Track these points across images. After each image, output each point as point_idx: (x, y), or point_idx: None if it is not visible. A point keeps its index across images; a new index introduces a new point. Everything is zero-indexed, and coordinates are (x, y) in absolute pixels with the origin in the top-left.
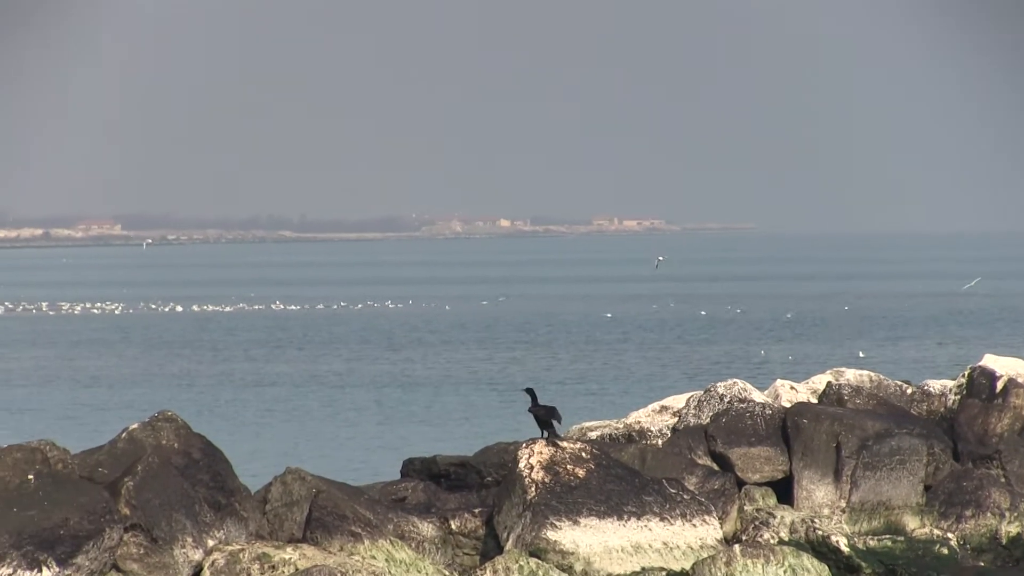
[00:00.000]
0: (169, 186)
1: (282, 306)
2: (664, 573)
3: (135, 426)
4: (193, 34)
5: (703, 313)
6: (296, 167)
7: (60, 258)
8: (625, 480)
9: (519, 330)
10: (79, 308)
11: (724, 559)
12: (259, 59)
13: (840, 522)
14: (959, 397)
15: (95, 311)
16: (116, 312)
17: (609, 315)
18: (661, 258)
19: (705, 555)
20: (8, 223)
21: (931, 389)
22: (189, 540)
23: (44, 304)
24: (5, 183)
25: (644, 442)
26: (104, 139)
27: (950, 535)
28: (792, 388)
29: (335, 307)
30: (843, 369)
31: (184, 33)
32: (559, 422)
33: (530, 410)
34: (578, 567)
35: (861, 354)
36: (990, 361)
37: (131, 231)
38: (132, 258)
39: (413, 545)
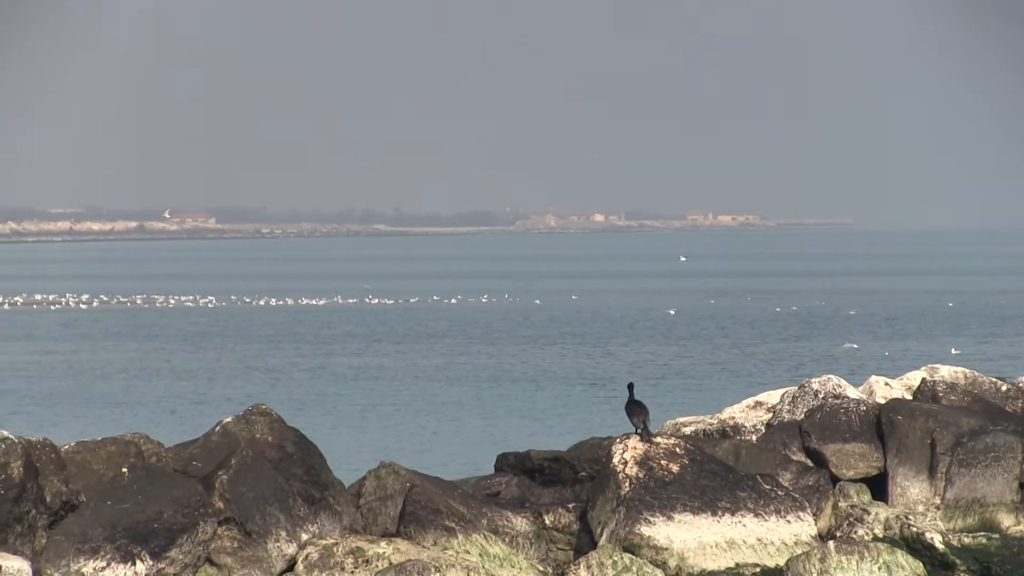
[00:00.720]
0: (264, 180)
1: (376, 300)
2: (758, 569)
3: (229, 419)
4: (284, 30)
5: (795, 308)
6: (391, 161)
7: (155, 251)
8: (719, 476)
9: (612, 324)
10: (173, 301)
11: (818, 556)
12: (355, 55)
13: (934, 519)
14: None
15: (188, 304)
16: (210, 305)
17: (703, 309)
18: (683, 258)
19: (799, 551)
20: (103, 216)
21: None
22: (283, 534)
23: (139, 297)
24: (99, 176)
25: (738, 438)
26: (196, 133)
27: None
28: (887, 384)
29: (430, 301)
30: (937, 366)
31: (273, 30)
32: (648, 418)
33: (627, 406)
34: (672, 563)
35: (955, 351)
36: None
37: (225, 224)
38: (226, 251)
39: (507, 540)
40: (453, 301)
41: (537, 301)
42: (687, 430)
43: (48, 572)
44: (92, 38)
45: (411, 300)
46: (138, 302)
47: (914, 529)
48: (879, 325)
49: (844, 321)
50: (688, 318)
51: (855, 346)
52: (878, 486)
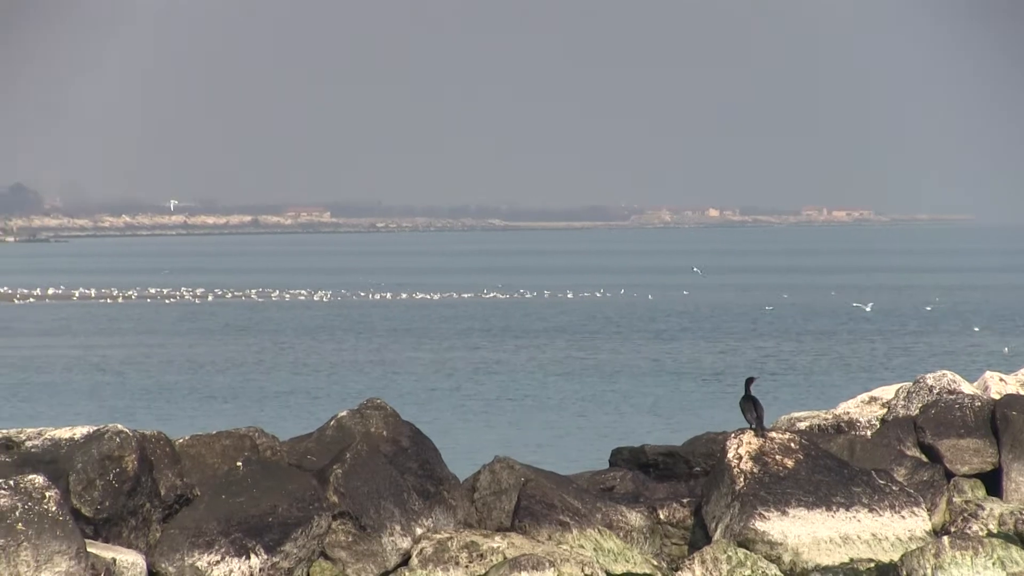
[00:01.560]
0: (379, 174)
1: (492, 294)
2: (872, 565)
3: (344, 413)
4: (390, 25)
5: (911, 304)
6: (505, 155)
7: (267, 244)
8: (834, 471)
9: (726, 319)
10: (288, 295)
11: (932, 551)
12: (463, 48)
13: None
14: None
15: (303, 298)
16: (325, 300)
17: (819, 303)
18: (697, 270)
19: (913, 547)
20: (218, 210)
21: None
22: (397, 528)
23: (253, 291)
24: (215, 170)
25: (853, 433)
26: (311, 127)
27: None
28: (1001, 380)
29: (545, 295)
30: None
31: (376, 25)
32: (762, 413)
33: (741, 401)
34: (786, 558)
35: None
36: None
37: (340, 218)
38: (341, 245)
39: (621, 534)
40: (569, 296)
41: (650, 296)
42: (801, 425)
43: (162, 566)
44: (200, 38)
45: (527, 295)
46: (252, 296)
47: None
48: (995, 321)
49: (961, 317)
50: (803, 313)
51: (971, 341)
52: (992, 481)
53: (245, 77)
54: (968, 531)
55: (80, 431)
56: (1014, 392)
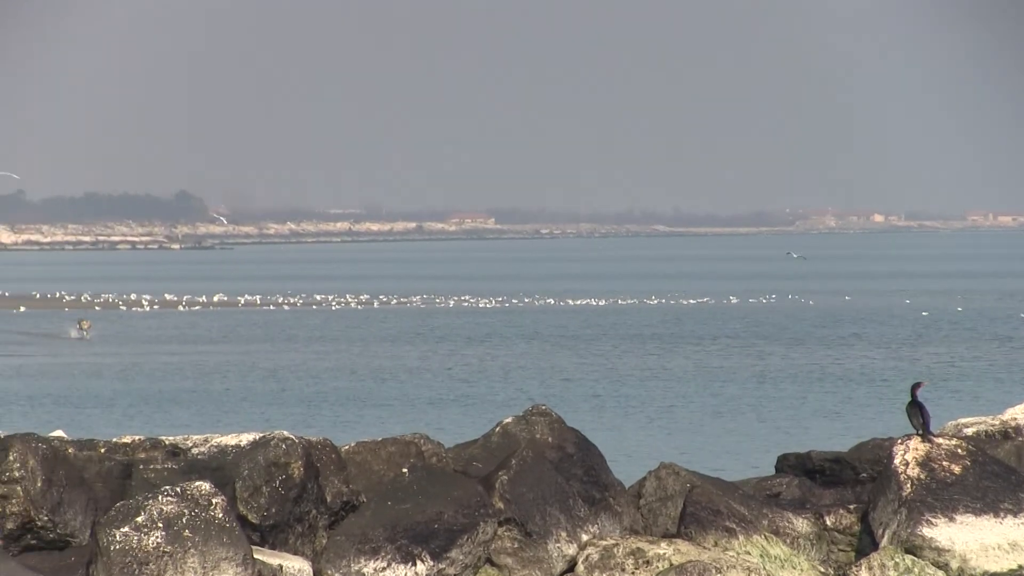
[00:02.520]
0: (543, 181)
1: (656, 300)
2: None
3: (509, 420)
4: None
5: None
6: (668, 160)
7: (433, 251)
8: (1001, 477)
9: (891, 324)
10: (452, 302)
11: None
12: (632, 53)
13: None
14: None
15: (466, 304)
16: (489, 306)
17: (989, 309)
18: (795, 255)
19: None
20: (382, 216)
21: None
22: (563, 534)
23: (417, 298)
24: (379, 177)
25: (1020, 439)
26: (477, 133)
27: None
28: None
29: (710, 302)
30: None
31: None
32: (928, 419)
33: (908, 407)
34: (954, 564)
35: None
36: None
37: (504, 225)
38: (505, 251)
39: (788, 541)
40: (734, 301)
41: (811, 302)
42: (968, 431)
43: (328, 572)
44: (357, 45)
45: (691, 301)
46: (417, 303)
47: None
48: None
49: None
50: (973, 318)
51: None
52: None
53: (406, 83)
54: None
55: (246, 438)
56: None
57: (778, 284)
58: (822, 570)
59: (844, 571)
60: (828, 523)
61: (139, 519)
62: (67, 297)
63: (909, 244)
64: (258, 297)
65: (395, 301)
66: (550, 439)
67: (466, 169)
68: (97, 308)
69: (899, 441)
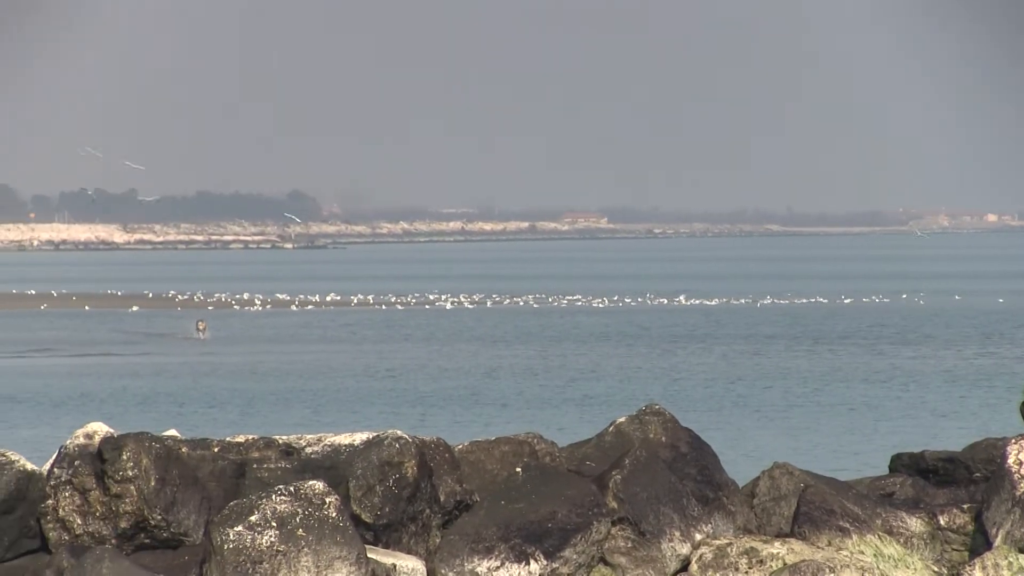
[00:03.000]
0: (655, 179)
1: (769, 300)
2: None
3: (623, 419)
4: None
5: None
6: (781, 160)
7: (545, 250)
8: None
9: (1003, 323)
10: (565, 301)
11: None
12: (755, 50)
13: None
14: None
15: (580, 304)
16: (602, 306)
17: None
18: (919, 232)
19: None
20: (495, 216)
21: None
22: (677, 534)
23: (531, 297)
24: (492, 176)
25: None
26: (590, 133)
27: None
28: None
29: (826, 302)
30: None
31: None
32: None
33: (1022, 406)
34: None
35: None
36: None
37: (617, 224)
38: (617, 251)
39: (901, 540)
40: (847, 301)
41: (920, 302)
42: None
43: (442, 571)
44: (480, 47)
45: (803, 300)
46: (530, 302)
47: None
48: None
49: None
50: None
51: None
52: None
53: (520, 82)
54: None
55: (360, 437)
56: None
57: (890, 284)
58: (935, 569)
59: (957, 571)
60: (942, 523)
61: (253, 518)
62: (179, 297)
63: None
64: (371, 297)
65: (508, 301)
66: (664, 438)
67: (579, 168)
68: (209, 308)
69: (1013, 440)
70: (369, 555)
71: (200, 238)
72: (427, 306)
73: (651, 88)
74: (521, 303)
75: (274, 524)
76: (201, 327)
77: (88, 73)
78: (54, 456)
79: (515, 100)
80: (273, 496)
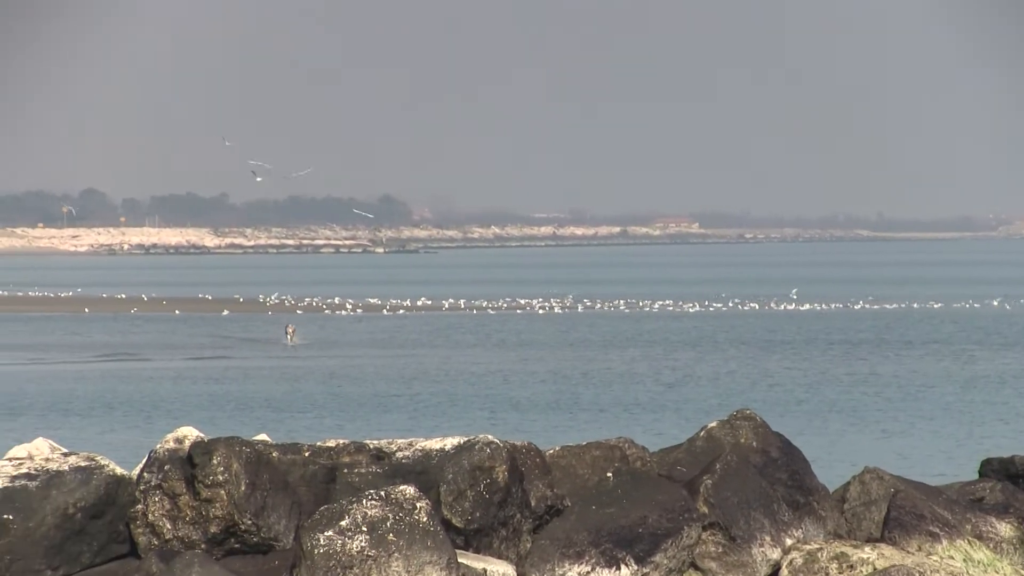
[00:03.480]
0: (747, 183)
1: (860, 305)
2: None
3: (714, 424)
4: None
5: None
6: (872, 165)
7: (635, 255)
8: None
9: None
10: (656, 306)
11: None
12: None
13: None
14: None
15: (669, 308)
16: (693, 310)
17: None
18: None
19: None
20: (586, 220)
21: None
22: (767, 539)
23: (621, 302)
24: (584, 181)
25: None
26: (679, 137)
27: None
28: None
29: (917, 306)
30: None
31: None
32: None
33: None
34: None
35: None
36: None
37: (708, 229)
38: (708, 256)
39: (991, 545)
40: (937, 306)
41: (1007, 306)
42: None
43: None
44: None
45: (893, 306)
46: (621, 307)
47: None
48: None
49: None
50: None
51: None
52: None
53: (610, 86)
54: None
55: (451, 442)
56: None
57: (981, 289)
58: None
59: None
60: None
61: (343, 523)
62: (270, 301)
63: None
64: (462, 301)
65: (599, 305)
66: (754, 443)
67: (671, 173)
68: (299, 312)
69: None
70: (460, 560)
71: (291, 242)
72: (518, 310)
73: (741, 93)
74: (612, 308)
75: (364, 529)
76: (290, 331)
77: (180, 76)
78: (144, 460)
79: (607, 105)
80: (364, 501)
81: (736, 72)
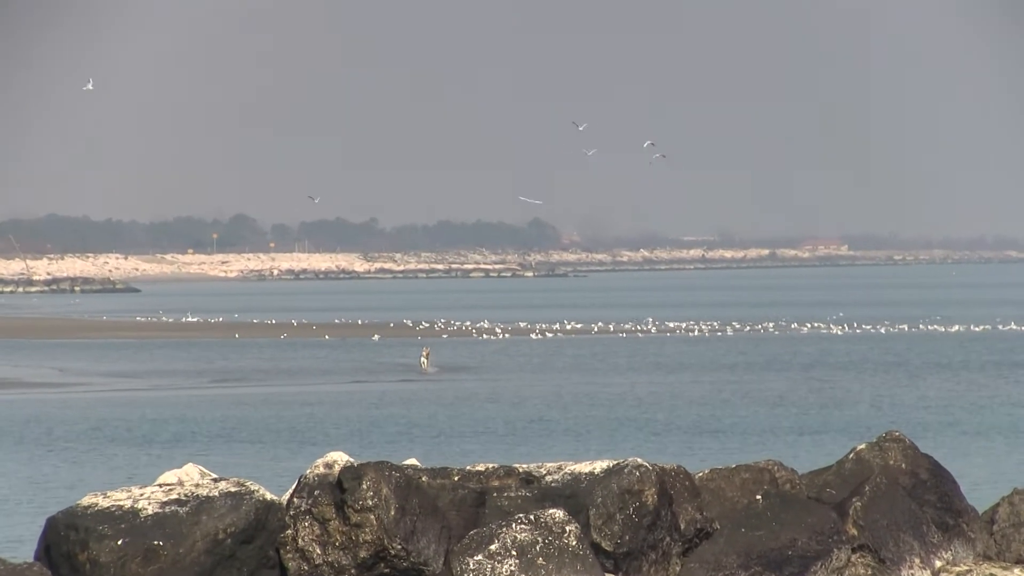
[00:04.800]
0: (893, 206)
1: (1012, 326)
2: None
3: (863, 446)
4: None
5: None
6: (1021, 185)
7: (790, 278)
8: None
9: None
10: (805, 328)
11: None
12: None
13: None
14: None
15: (822, 331)
16: (839, 332)
17: None
18: None
19: None
20: (735, 243)
21: None
22: (916, 561)
23: (770, 324)
24: (732, 204)
25: None
26: (827, 159)
27: None
28: None
29: None
30: None
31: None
32: None
33: None
34: None
35: None
36: None
37: (857, 251)
38: (856, 278)
39: None
40: None
41: None
42: None
43: None
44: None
45: None
46: (770, 329)
47: None
48: None
49: None
50: None
51: None
52: None
53: (760, 110)
54: None
55: (600, 465)
56: None
57: None
58: None
59: None
60: None
61: (493, 547)
62: (421, 325)
63: None
64: (611, 324)
65: (748, 328)
66: (903, 465)
67: (820, 195)
68: (444, 336)
69: None
70: None
71: (440, 267)
72: (667, 334)
73: (889, 113)
74: (761, 330)
75: (514, 553)
76: (424, 354)
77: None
78: (294, 486)
79: (751, 129)
80: (513, 525)
81: (892, 97)
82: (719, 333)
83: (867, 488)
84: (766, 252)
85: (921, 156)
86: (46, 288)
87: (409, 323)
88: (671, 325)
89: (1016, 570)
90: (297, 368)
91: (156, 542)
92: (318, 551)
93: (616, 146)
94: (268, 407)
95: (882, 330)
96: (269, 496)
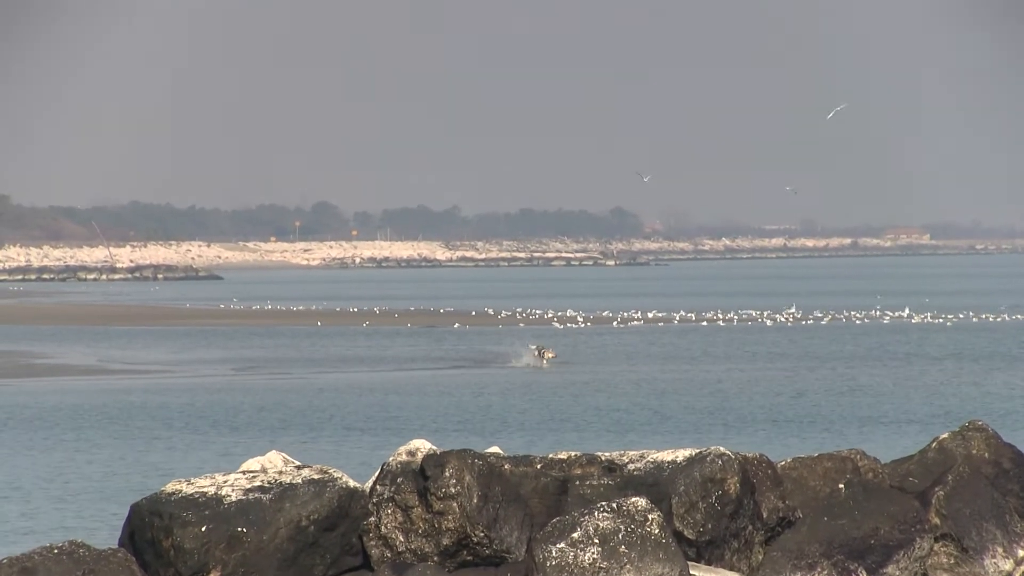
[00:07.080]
0: (977, 194)
1: None
2: None
3: (945, 436)
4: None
5: None
6: None
7: (870, 267)
8: None
9: None
10: (887, 317)
11: None
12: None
13: None
14: None
15: (902, 319)
16: (920, 322)
17: None
18: None
19: None
20: (817, 232)
21: None
22: (999, 550)
23: (853, 313)
24: (815, 192)
25: None
26: (912, 147)
27: None
28: None
29: None
30: None
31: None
32: None
33: None
34: None
35: None
36: None
37: (939, 240)
38: (937, 267)
39: None
40: None
41: None
42: None
43: None
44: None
45: None
46: (852, 318)
47: None
48: None
49: None
50: None
51: None
52: None
53: (843, 95)
54: None
55: (682, 454)
56: None
57: None
58: None
59: None
60: None
61: (575, 535)
62: (502, 314)
63: None
64: (692, 314)
65: (828, 317)
66: (986, 455)
67: (902, 184)
68: (521, 325)
69: None
70: (692, 572)
71: (522, 255)
72: (749, 323)
73: (972, 103)
74: (843, 320)
75: (596, 541)
76: (548, 356)
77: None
78: (377, 473)
79: (835, 117)
80: (595, 513)
81: (971, 83)
82: (801, 322)
83: (950, 477)
84: (848, 241)
85: (999, 146)
86: (129, 276)
87: (491, 311)
88: (753, 314)
89: None
90: (377, 356)
91: (240, 528)
92: (401, 538)
93: (703, 137)
94: (350, 394)
95: (973, 319)
96: (352, 483)
